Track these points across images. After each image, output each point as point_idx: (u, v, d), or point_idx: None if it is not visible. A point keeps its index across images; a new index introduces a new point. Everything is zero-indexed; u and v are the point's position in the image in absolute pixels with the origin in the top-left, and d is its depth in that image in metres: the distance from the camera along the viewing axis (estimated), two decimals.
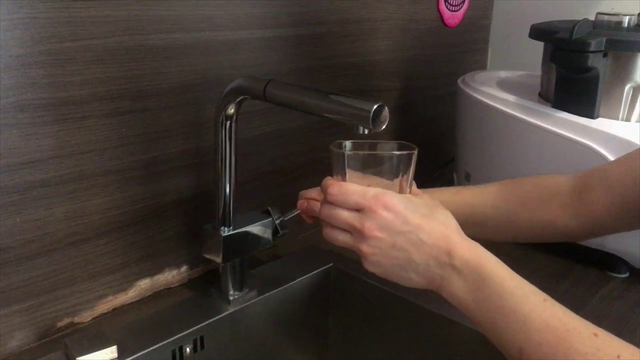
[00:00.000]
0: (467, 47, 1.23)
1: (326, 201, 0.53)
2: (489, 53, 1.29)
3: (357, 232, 0.51)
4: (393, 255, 0.50)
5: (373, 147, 0.57)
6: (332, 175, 0.55)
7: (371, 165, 0.54)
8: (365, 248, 0.50)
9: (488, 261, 0.49)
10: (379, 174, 0.54)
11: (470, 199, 0.68)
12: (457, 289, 0.49)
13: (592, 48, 0.79)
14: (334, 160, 0.54)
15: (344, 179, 0.53)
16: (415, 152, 0.54)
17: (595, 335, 0.44)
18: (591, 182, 0.63)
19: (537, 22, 0.96)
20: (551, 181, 0.67)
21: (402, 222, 0.49)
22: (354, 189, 0.51)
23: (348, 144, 0.56)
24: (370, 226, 0.49)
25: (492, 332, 0.48)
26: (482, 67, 1.28)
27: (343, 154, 0.53)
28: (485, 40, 1.27)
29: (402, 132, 1.09)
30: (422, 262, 0.49)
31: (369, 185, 0.52)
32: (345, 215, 0.51)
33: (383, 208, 0.49)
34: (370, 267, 0.52)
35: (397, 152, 0.54)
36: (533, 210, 0.65)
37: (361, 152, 0.54)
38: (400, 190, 0.54)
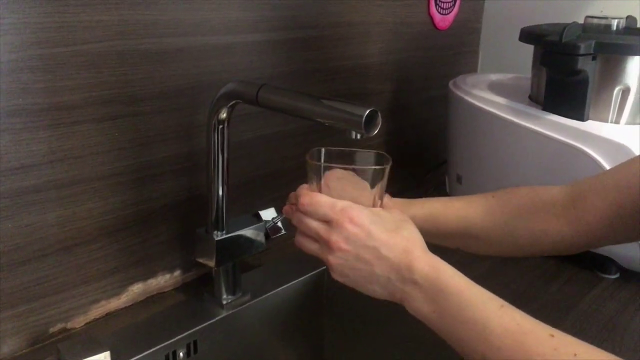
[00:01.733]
0: (458, 49, 1.23)
1: (298, 210, 0.55)
2: (480, 56, 1.30)
3: (324, 243, 0.53)
4: (357, 267, 0.52)
5: (349, 156, 0.58)
6: (307, 182, 0.57)
7: (345, 176, 0.56)
8: (331, 259, 0.53)
9: (446, 273, 0.50)
10: (352, 185, 0.55)
11: (463, 212, 0.68)
12: (418, 302, 0.50)
13: (581, 51, 0.80)
14: (309, 170, 0.56)
15: (318, 189, 0.55)
16: (388, 166, 0.55)
17: (552, 336, 0.45)
18: (585, 190, 0.63)
19: (527, 25, 0.97)
20: (545, 191, 0.66)
21: (367, 236, 0.52)
22: (324, 201, 0.53)
23: (324, 152, 0.57)
24: (336, 239, 0.52)
25: (455, 341, 0.49)
26: (473, 69, 1.28)
27: (318, 166, 0.55)
28: (475, 43, 1.28)
29: (394, 135, 1.10)
30: (383, 275, 0.52)
31: (340, 197, 0.54)
32: (314, 225, 0.54)
33: (349, 221, 0.52)
34: (336, 277, 0.54)
35: (371, 167, 0.55)
36: (528, 221, 0.65)
37: (336, 165, 0.55)
38: (372, 203, 0.55)
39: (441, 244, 0.68)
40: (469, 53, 1.27)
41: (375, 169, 0.55)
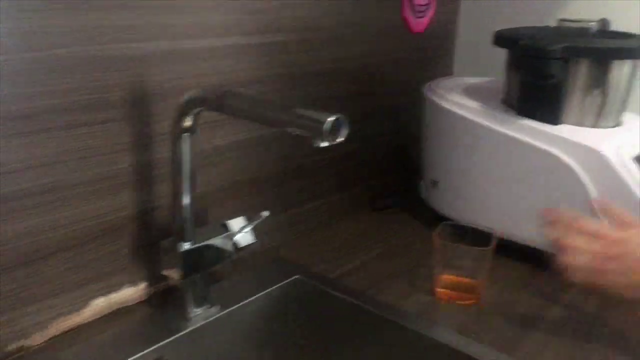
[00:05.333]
0: (434, 53, 1.22)
1: None
2: (456, 59, 1.29)
3: None
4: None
5: None
6: None
7: None
8: None
9: None
10: None
11: None
12: None
13: (554, 55, 0.80)
14: None
15: None
16: None
17: None
18: None
19: (504, 27, 0.96)
20: None
21: None
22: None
23: None
24: None
25: None
26: (449, 73, 1.27)
27: None
28: (452, 46, 1.27)
29: (369, 140, 1.08)
30: None
31: None
32: None
33: None
34: None
35: None
36: None
37: None
38: None
39: None
40: (445, 56, 1.26)
41: None
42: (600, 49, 0.82)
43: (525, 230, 0.87)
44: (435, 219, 1.01)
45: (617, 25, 0.95)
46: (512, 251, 0.88)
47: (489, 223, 0.91)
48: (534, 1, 1.15)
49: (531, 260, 0.88)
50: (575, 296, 0.81)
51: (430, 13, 1.17)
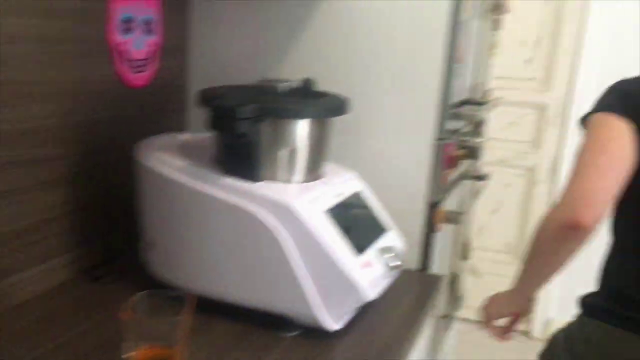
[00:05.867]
0: (162, 107, 1.19)
1: None
2: (190, 113, 1.27)
3: None
4: None
5: None
6: None
7: None
8: None
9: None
10: None
11: None
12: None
13: (243, 115, 0.81)
14: None
15: None
16: None
17: None
18: None
19: (239, 82, 0.96)
20: None
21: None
22: None
23: None
24: None
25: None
26: (181, 128, 1.25)
27: None
28: (181, 101, 1.25)
29: (76, 204, 0.98)
30: None
31: None
32: None
33: None
34: None
35: None
36: None
37: None
38: None
39: None
40: (176, 111, 1.24)
41: None
42: (287, 109, 0.86)
43: (235, 290, 0.87)
44: (154, 285, 0.95)
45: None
46: (226, 311, 0.87)
47: (203, 285, 0.89)
48: (265, 57, 1.19)
49: (242, 319, 0.87)
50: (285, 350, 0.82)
51: (152, 67, 1.14)
